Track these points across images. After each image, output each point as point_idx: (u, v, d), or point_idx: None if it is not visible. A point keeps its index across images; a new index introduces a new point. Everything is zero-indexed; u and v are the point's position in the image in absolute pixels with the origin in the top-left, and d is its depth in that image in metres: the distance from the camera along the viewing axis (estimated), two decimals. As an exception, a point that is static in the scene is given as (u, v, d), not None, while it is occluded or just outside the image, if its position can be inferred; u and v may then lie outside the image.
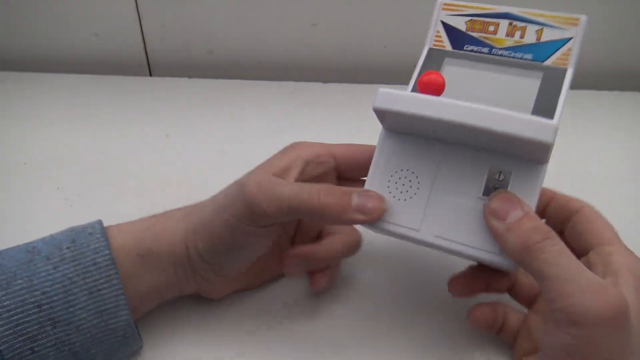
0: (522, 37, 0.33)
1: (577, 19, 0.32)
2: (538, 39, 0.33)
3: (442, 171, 0.32)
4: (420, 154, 0.32)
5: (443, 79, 0.31)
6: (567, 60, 0.32)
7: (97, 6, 0.60)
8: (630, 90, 0.62)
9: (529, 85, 0.32)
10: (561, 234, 0.34)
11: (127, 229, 0.34)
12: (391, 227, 0.32)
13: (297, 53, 0.63)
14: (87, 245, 0.32)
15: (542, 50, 0.33)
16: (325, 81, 0.62)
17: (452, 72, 0.34)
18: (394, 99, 0.30)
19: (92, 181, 0.49)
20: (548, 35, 0.32)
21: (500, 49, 0.33)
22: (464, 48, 0.34)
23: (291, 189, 0.31)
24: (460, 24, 0.34)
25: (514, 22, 0.33)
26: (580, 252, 0.32)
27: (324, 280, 0.37)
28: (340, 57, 0.64)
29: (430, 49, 0.34)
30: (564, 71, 0.32)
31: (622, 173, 0.52)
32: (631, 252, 0.31)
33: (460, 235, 0.31)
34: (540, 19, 0.33)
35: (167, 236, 0.34)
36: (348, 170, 0.37)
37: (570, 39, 0.32)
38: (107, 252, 0.32)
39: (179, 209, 0.36)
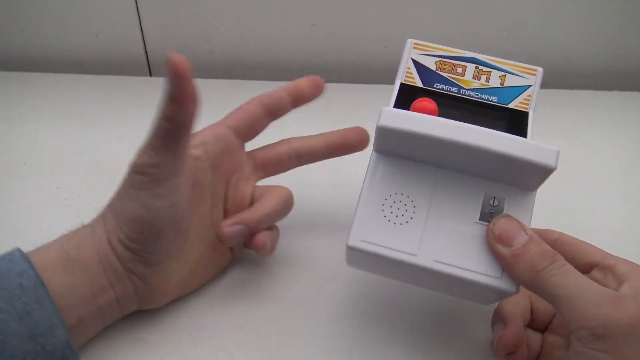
0: (487, 80, 0.35)
1: (535, 70, 0.35)
2: (502, 83, 0.35)
3: (438, 196, 0.32)
4: (415, 177, 0.33)
5: (435, 105, 0.33)
6: (528, 104, 0.35)
7: (97, 6, 0.60)
8: (630, 90, 0.62)
9: (497, 124, 0.34)
10: None
11: (48, 246, 0.34)
12: (387, 252, 0.31)
13: (297, 53, 0.63)
14: (9, 271, 0.31)
15: (505, 94, 0.35)
16: (325, 81, 0.62)
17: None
18: (399, 119, 0.31)
19: (92, 181, 0.49)
20: (510, 81, 0.35)
21: (468, 89, 0.35)
22: (434, 86, 0.35)
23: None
24: (430, 63, 0.36)
25: (480, 67, 0.35)
26: (589, 266, 0.33)
27: (266, 239, 0.37)
28: (340, 57, 0.64)
29: (402, 84, 0.36)
30: (526, 114, 0.34)
31: (622, 173, 0.52)
32: (628, 260, 0.32)
33: (459, 259, 0.31)
34: (503, 66, 0.35)
35: (88, 242, 0.34)
36: (243, 129, 0.40)
37: (529, 86, 0.35)
38: (32, 272, 0.31)
39: (96, 217, 0.36)
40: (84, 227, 0.35)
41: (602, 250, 0.33)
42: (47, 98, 0.58)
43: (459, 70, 0.35)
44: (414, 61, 0.36)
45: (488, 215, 0.32)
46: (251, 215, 0.37)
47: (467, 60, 0.36)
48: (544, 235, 0.34)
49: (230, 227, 0.37)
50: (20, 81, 0.60)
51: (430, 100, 0.33)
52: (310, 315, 0.38)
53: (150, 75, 0.65)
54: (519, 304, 0.34)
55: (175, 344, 0.36)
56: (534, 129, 0.34)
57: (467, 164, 0.32)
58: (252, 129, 0.40)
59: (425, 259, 0.31)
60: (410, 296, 0.40)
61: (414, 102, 0.33)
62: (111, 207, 0.35)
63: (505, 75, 0.35)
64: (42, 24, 0.61)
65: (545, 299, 0.29)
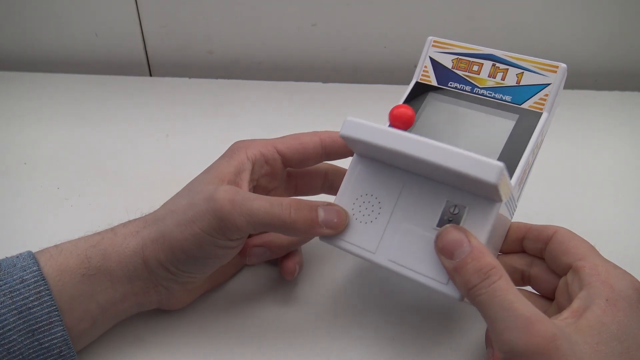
0: (503, 79, 0.34)
1: (557, 66, 0.33)
2: (518, 82, 0.34)
3: (403, 199, 0.33)
4: (385, 181, 0.33)
5: (413, 112, 0.33)
6: (544, 105, 0.33)
7: (97, 6, 0.60)
8: (630, 90, 0.62)
9: (504, 126, 0.33)
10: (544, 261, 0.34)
11: (68, 249, 0.33)
12: (349, 247, 0.33)
13: (297, 53, 0.64)
14: (14, 265, 0.31)
15: (521, 94, 0.34)
16: (325, 81, 0.62)
17: (434, 107, 0.35)
18: (358, 128, 0.31)
19: (92, 181, 0.49)
20: (527, 80, 0.34)
21: (482, 88, 0.35)
22: (448, 85, 0.35)
23: (261, 205, 0.32)
24: (447, 61, 0.36)
25: (497, 64, 0.35)
26: (561, 274, 0.33)
27: (296, 267, 0.38)
28: (340, 57, 0.64)
29: (417, 83, 0.36)
30: (539, 115, 0.33)
31: (622, 173, 0.52)
32: (606, 263, 0.31)
33: (412, 262, 0.32)
34: (522, 63, 0.34)
35: (117, 253, 0.33)
36: (294, 161, 0.38)
37: (548, 84, 0.33)
38: (35, 268, 0.31)
39: (125, 225, 0.35)
40: (110, 232, 0.34)
41: (588, 248, 0.32)
42: (47, 98, 0.58)
43: (475, 68, 0.35)
44: (432, 59, 0.36)
45: (446, 222, 0.32)
46: (276, 240, 0.37)
47: (484, 57, 0.35)
48: (541, 230, 0.34)
49: (254, 249, 0.37)
50: (20, 81, 0.60)
51: (408, 107, 0.33)
52: (311, 314, 0.38)
53: (150, 75, 0.65)
54: None
55: (175, 345, 0.36)
56: (546, 130, 0.33)
57: (430, 171, 0.32)
58: (301, 163, 0.39)
59: (382, 257, 0.32)
60: (413, 294, 0.40)
61: (393, 108, 0.33)
62: (153, 225, 0.34)
63: (522, 72, 0.34)
64: (42, 24, 0.61)
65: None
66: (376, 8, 0.60)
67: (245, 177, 0.36)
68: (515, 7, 0.59)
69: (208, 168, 0.37)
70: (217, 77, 0.62)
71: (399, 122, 0.33)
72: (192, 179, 0.37)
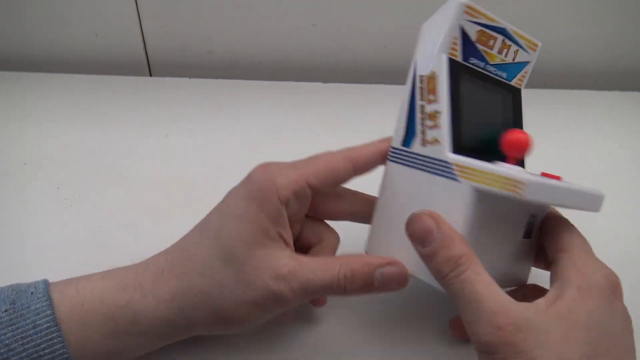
0: (506, 55, 0.34)
1: (537, 45, 0.35)
2: (514, 59, 0.35)
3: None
4: (505, 214, 0.32)
5: (528, 136, 0.30)
6: (522, 81, 0.36)
7: (97, 6, 0.60)
8: (630, 90, 0.62)
9: (507, 101, 0.35)
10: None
11: (91, 303, 0.31)
12: (422, 277, 0.31)
13: (297, 53, 0.64)
14: (27, 307, 0.30)
15: (513, 70, 0.35)
16: (325, 81, 0.62)
17: (464, 88, 0.32)
18: (546, 193, 0.29)
19: (92, 181, 0.49)
20: (519, 57, 0.35)
21: (491, 64, 0.34)
22: (469, 60, 0.33)
23: (315, 277, 0.31)
24: (472, 33, 0.32)
25: (505, 40, 0.34)
26: (551, 259, 0.32)
27: (326, 297, 0.37)
28: (340, 57, 0.64)
29: (451, 60, 0.32)
30: (519, 90, 0.36)
31: (622, 173, 0.52)
32: (586, 255, 0.31)
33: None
34: (519, 40, 0.35)
35: (150, 319, 0.31)
36: (324, 190, 0.34)
37: (528, 62, 0.35)
38: (49, 312, 0.29)
39: (154, 282, 0.32)
40: (138, 290, 0.32)
41: (571, 240, 0.32)
42: (47, 98, 0.58)
43: (491, 42, 0.33)
44: (462, 30, 0.32)
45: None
46: None
47: (498, 30, 0.33)
48: None
49: None
50: (20, 81, 0.60)
51: (524, 132, 0.31)
52: (311, 313, 0.39)
53: (150, 75, 0.65)
54: None
55: (177, 346, 0.36)
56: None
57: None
58: (331, 188, 0.36)
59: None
60: (418, 294, 0.40)
61: (507, 133, 0.31)
62: (197, 295, 0.31)
63: (518, 50, 0.34)
64: (42, 24, 0.61)
65: None
66: (376, 8, 0.60)
67: (285, 224, 0.32)
68: (516, 7, 0.59)
69: (236, 215, 0.32)
70: (217, 77, 0.62)
71: (516, 151, 0.31)
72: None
